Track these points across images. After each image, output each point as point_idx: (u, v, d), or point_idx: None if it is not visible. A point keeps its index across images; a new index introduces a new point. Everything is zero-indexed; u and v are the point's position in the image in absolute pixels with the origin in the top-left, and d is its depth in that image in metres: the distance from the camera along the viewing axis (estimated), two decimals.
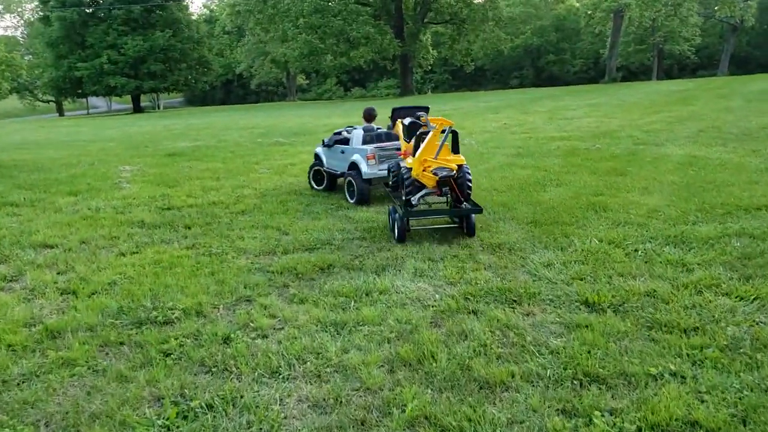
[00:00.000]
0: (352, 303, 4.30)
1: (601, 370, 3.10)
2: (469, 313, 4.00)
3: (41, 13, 50.95)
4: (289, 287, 4.79)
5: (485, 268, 4.90)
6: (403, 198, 5.96)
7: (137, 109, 50.91)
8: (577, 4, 60.22)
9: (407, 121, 6.37)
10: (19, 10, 71.33)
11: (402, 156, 6.67)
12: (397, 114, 7.51)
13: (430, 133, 5.79)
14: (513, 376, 3.13)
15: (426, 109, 6.90)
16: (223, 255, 5.70)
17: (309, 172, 8.89)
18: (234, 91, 68.79)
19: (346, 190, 7.90)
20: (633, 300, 4.02)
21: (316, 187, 8.71)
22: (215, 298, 4.59)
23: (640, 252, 5.03)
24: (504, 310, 4.00)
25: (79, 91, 48.54)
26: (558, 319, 3.82)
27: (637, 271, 4.58)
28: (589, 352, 3.31)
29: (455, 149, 6.07)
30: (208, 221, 7.04)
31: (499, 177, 8.76)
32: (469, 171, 5.95)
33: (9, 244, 6.35)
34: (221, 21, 64.67)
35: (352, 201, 7.71)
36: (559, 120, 16.42)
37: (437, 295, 4.37)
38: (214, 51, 55.41)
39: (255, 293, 4.66)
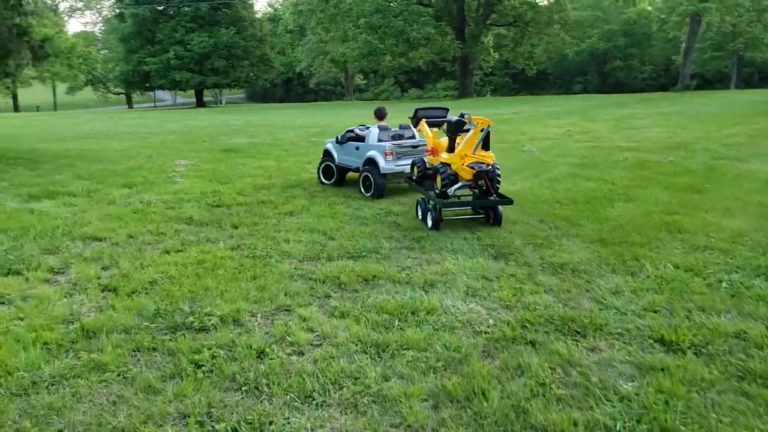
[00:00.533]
0: (396, 322, 3.98)
1: (683, 428, 2.65)
2: (527, 343, 3.60)
3: (117, 10, 53.15)
4: (331, 298, 4.52)
5: (546, 292, 4.47)
6: (440, 189, 6.37)
7: (200, 103, 52.32)
8: (650, 8, 57.80)
9: (454, 119, 6.59)
10: (98, 7, 74.79)
11: (429, 152, 7.18)
12: (421, 114, 7.83)
13: (471, 131, 6.36)
14: (576, 425, 2.72)
15: (446, 110, 7.92)
16: (266, 258, 5.48)
17: (318, 168, 9.32)
18: (294, 89, 69.70)
19: (361, 184, 8.33)
20: (719, 342, 3.51)
21: (325, 181, 9.15)
22: (254, 306, 4.37)
23: (724, 283, 4.47)
24: (566, 342, 3.59)
25: (147, 84, 50.37)
26: (628, 358, 3.37)
27: (722, 306, 4.05)
28: (666, 402, 2.86)
29: (486, 146, 6.42)
30: (256, 221, 6.87)
31: (562, 188, 8.23)
32: (498, 167, 6.50)
33: (61, 235, 6.36)
34: (284, 20, 65.74)
35: (368, 195, 8.16)
36: (626, 129, 15.57)
37: (491, 320, 3.99)
38: (276, 49, 56.34)
39: (295, 302, 4.41)
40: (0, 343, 3.82)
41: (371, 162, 8.17)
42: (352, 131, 8.94)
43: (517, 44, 41.03)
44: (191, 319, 4.14)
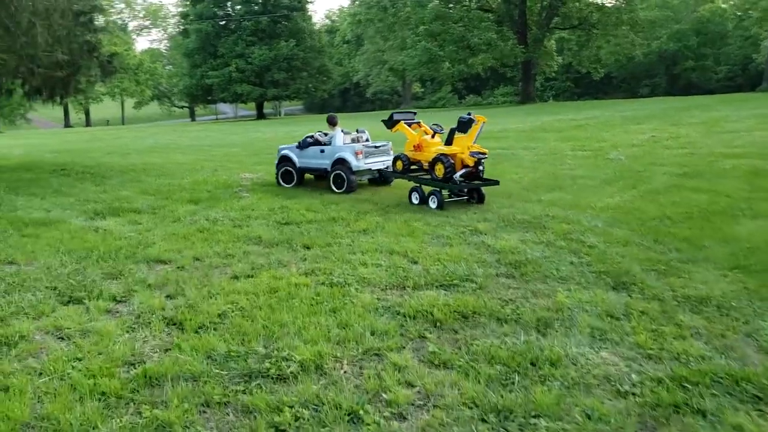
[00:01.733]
0: (516, 377, 3.24)
1: None
2: (695, 413, 2.79)
3: (181, 27, 54.79)
4: (427, 340, 3.83)
5: (693, 335, 3.63)
6: (443, 176, 7.67)
7: (260, 115, 53.05)
8: (724, 6, 54.60)
9: (466, 117, 7.87)
10: (164, 24, 77.66)
11: (414, 149, 8.54)
12: (398, 117, 9.09)
13: (472, 126, 7.79)
14: None
15: (415, 113, 9.57)
16: (345, 286, 4.86)
17: (277, 173, 10.15)
18: (350, 99, 69.88)
19: (332, 182, 9.24)
20: None
21: (285, 185, 9.99)
22: (338, 348, 3.74)
23: None
24: (748, 414, 2.75)
25: (209, 97, 51.48)
26: None
27: None
28: None
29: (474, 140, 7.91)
30: (329, 241, 6.27)
31: (669, 202, 7.27)
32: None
33: (124, 257, 5.96)
34: (341, 31, 66.18)
35: (339, 191, 9.10)
36: (721, 133, 14.20)
37: (633, 375, 3.19)
38: (333, 60, 56.60)
39: (385, 345, 3.74)
40: (56, 392, 3.34)
41: (341, 161, 9.14)
42: (312, 137, 9.90)
43: (582, 47, 39.36)
44: (267, 364, 3.54)
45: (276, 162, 10.30)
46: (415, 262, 5.44)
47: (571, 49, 42.08)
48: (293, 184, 9.89)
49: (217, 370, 3.53)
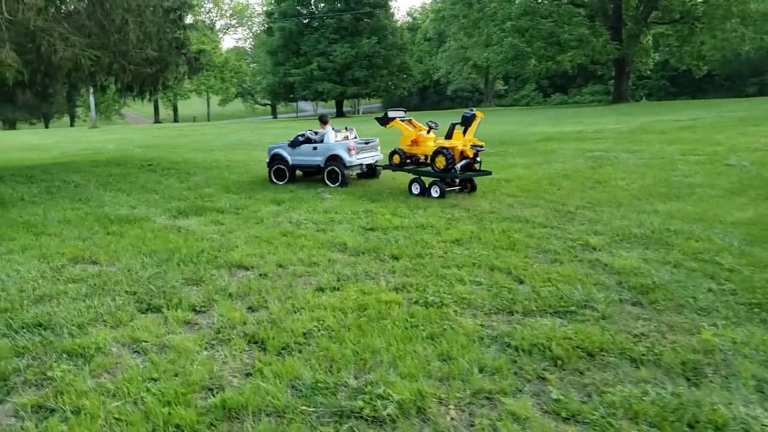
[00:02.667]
0: None
1: None
2: None
3: (266, 25, 56.05)
4: (547, 382, 3.20)
5: None
6: (444, 167, 8.30)
7: (340, 113, 53.37)
8: None
9: (468, 113, 8.65)
10: (249, 23, 79.93)
11: (411, 144, 9.19)
12: (393, 114, 9.61)
13: (474, 122, 8.49)
14: None
15: (405, 110, 10.12)
16: (442, 307, 4.29)
17: (270, 171, 10.52)
18: (429, 97, 69.13)
19: (327, 177, 9.86)
20: None
21: (277, 182, 10.34)
22: (441, 386, 3.19)
23: None
24: None
25: (291, 95, 52.35)
26: None
27: None
28: None
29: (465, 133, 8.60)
30: (419, 251, 5.72)
31: None
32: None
33: (206, 262, 5.67)
34: (423, 28, 65.53)
35: (334, 185, 9.68)
36: None
37: None
38: (414, 57, 56.04)
39: (497, 387, 3.15)
40: (128, 419, 2.99)
41: (335, 158, 9.72)
42: (303, 135, 10.36)
43: (683, 43, 36.50)
44: (360, 402, 3.05)
45: (267, 161, 10.73)
46: (521, 282, 4.79)
47: (670, 45, 39.10)
48: (285, 181, 10.33)
49: (304, 404, 3.07)
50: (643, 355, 3.43)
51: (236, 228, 7.03)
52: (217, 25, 72.93)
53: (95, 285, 5.09)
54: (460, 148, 8.47)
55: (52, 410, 3.16)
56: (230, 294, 4.79)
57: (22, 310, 4.55)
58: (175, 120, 69.36)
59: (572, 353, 3.48)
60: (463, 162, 8.42)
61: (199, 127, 41.35)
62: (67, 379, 3.44)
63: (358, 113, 68.82)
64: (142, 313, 4.51)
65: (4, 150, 22.09)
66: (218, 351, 3.80)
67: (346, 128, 10.55)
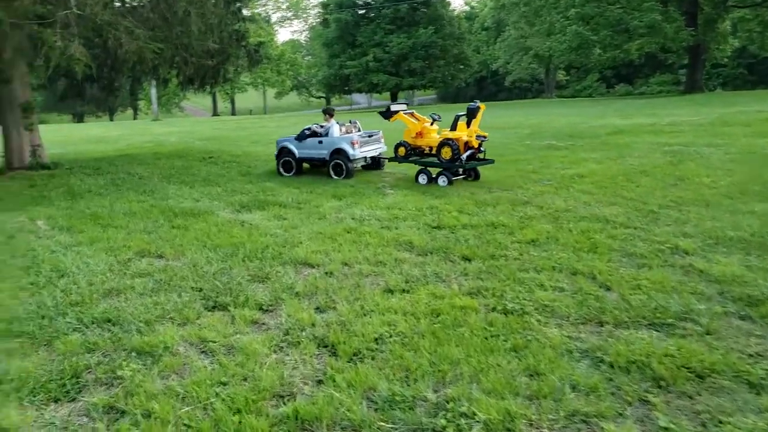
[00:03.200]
0: None
1: None
2: None
3: (322, 17, 56.27)
4: (652, 407, 2.87)
5: None
6: (450, 157, 8.70)
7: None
8: None
9: (473, 105, 9.05)
10: (305, 16, 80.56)
11: (416, 136, 9.54)
12: (396, 108, 9.91)
13: (478, 113, 8.95)
14: None
15: (407, 104, 10.65)
16: (523, 315, 3.98)
17: (278, 163, 10.88)
18: (486, 87, 67.85)
19: (331, 170, 10.12)
20: None
21: (285, 174, 10.73)
22: (530, 406, 2.90)
23: None
24: None
25: (346, 87, 52.36)
26: None
27: None
28: None
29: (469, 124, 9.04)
30: (492, 252, 5.41)
31: None
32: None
33: (271, 257, 5.54)
34: (481, 17, 64.27)
35: (338, 178, 9.96)
36: None
37: None
38: (471, 47, 54.98)
39: (594, 409, 2.85)
40: (198, 426, 2.86)
41: (339, 151, 9.96)
42: (309, 129, 10.59)
43: (766, 27, 34.00)
44: (443, 421, 2.81)
45: (276, 153, 11.05)
46: (608, 288, 4.41)
47: (751, 30, 36.48)
48: (293, 172, 10.67)
49: (381, 420, 2.85)
50: (762, 379, 3.03)
51: (299, 223, 6.90)
52: (273, 18, 73.83)
53: (161, 280, 5.04)
54: (464, 138, 8.89)
55: (123, 412, 3.07)
56: (297, 293, 4.63)
57: (92, 305, 4.53)
58: (233, 113, 70.80)
59: (677, 374, 3.12)
60: (469, 152, 8.84)
61: (256, 120, 41.94)
62: (136, 380, 3.35)
63: (413, 104, 68.37)
64: (209, 310, 4.40)
65: (74, 142, 22.95)
66: (287, 354, 3.63)
67: (350, 121, 10.81)
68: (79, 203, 8.71)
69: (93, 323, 4.19)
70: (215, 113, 69.32)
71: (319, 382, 3.30)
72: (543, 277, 4.69)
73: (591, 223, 6.23)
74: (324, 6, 55.27)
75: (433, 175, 9.05)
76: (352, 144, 9.95)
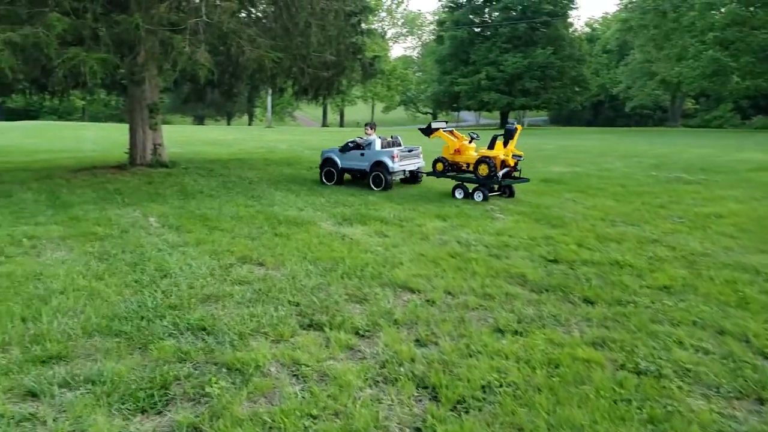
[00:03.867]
0: None
1: None
2: None
3: (436, 34, 56.39)
4: None
5: None
6: (487, 174, 9.24)
7: (504, 124, 51.90)
8: None
9: (511, 127, 9.41)
10: (419, 32, 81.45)
11: (454, 153, 9.99)
12: (436, 126, 10.36)
13: (515, 134, 9.38)
14: None
15: (446, 123, 11.13)
16: (660, 379, 3.37)
17: (321, 173, 11.48)
18: (603, 112, 64.76)
19: (371, 182, 10.59)
20: None
21: (327, 183, 11.27)
22: None
23: None
24: None
25: (455, 104, 51.91)
26: None
27: None
28: None
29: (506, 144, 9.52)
30: (618, 297, 4.77)
31: None
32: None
33: (370, 277, 5.25)
34: (603, 39, 61.61)
35: (377, 189, 10.42)
36: None
37: None
38: (590, 70, 52.64)
39: None
40: None
41: (380, 164, 10.48)
42: (354, 142, 11.12)
43: None
44: None
45: (320, 163, 11.57)
46: (766, 356, 3.67)
47: None
48: (334, 182, 11.22)
49: None
50: None
51: (400, 242, 6.57)
52: (388, 33, 75.20)
53: (260, 290, 4.89)
54: (501, 157, 9.34)
55: None
56: (395, 320, 4.28)
57: (190, 309, 4.44)
58: (341, 124, 72.69)
59: None
60: (505, 170, 9.38)
61: (363, 132, 42.59)
62: (224, 400, 3.14)
63: (523, 125, 66.63)
64: (304, 328, 4.16)
65: (192, 143, 24.30)
66: (383, 391, 3.28)
67: (392, 136, 11.40)
68: (191, 203, 8.95)
69: (188, 329, 4.08)
70: (324, 124, 71.49)
71: (417, 430, 2.92)
72: (681, 332, 4.02)
73: (737, 272, 5.38)
74: (440, 23, 55.36)
75: (470, 191, 9.49)
76: (392, 157, 10.44)
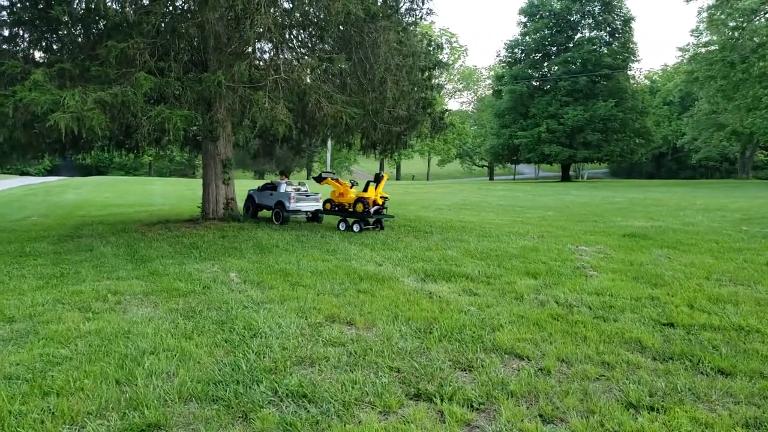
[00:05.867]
0: None
1: None
2: None
3: (494, 88, 56.70)
4: None
5: None
6: (363, 211, 12.24)
7: (565, 177, 50.94)
8: None
9: (380, 175, 12.83)
10: (475, 87, 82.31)
11: (339, 195, 13.09)
12: (325, 175, 13.58)
13: (382, 181, 12.62)
14: None
15: (334, 173, 15.70)
16: None
17: (245, 207, 14.58)
18: (665, 164, 62.94)
19: (273, 217, 13.68)
20: None
21: (247, 214, 14.43)
22: None
23: None
24: None
25: (514, 157, 51.44)
26: None
27: None
28: None
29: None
30: (758, 369, 4.23)
31: None
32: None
33: (471, 340, 4.89)
34: (663, 91, 60.49)
35: (277, 223, 13.34)
36: None
37: None
38: (651, 122, 51.49)
39: None
40: None
41: (280, 204, 13.48)
42: (270, 184, 14.30)
43: None
44: None
45: (246, 199, 14.77)
46: None
47: None
48: (250, 214, 14.47)
49: None
50: None
51: (494, 302, 6.18)
52: (445, 89, 76.30)
53: (355, 353, 4.60)
54: (373, 198, 12.24)
55: None
56: (511, 392, 3.89)
57: (286, 373, 4.18)
58: (397, 178, 73.26)
59: None
60: (375, 207, 12.27)
61: (421, 185, 42.71)
62: None
63: (582, 178, 65.28)
64: (411, 399, 3.82)
65: None
66: None
67: (299, 183, 14.38)
68: (268, 257, 8.86)
69: (288, 396, 3.81)
70: None
71: None
72: None
73: None
74: (498, 78, 55.68)
75: (350, 223, 12.32)
76: (289, 198, 13.32)
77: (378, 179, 12.49)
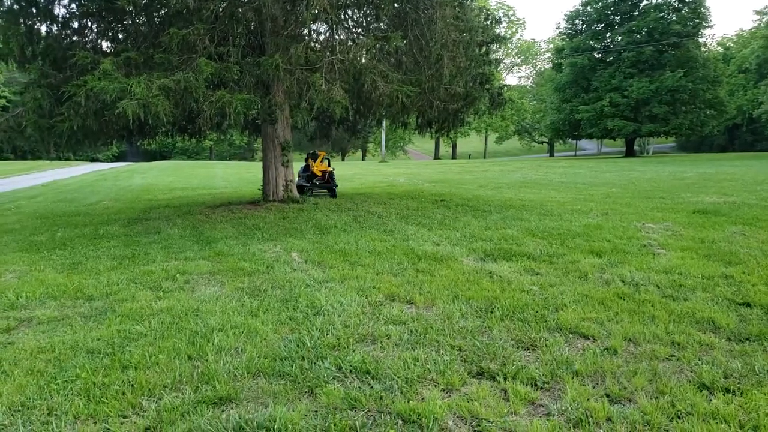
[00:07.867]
0: None
1: None
2: None
3: (554, 62, 54.95)
4: None
5: None
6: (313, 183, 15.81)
7: (629, 152, 49.02)
8: None
9: (315, 153, 16.17)
10: (534, 61, 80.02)
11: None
12: (309, 156, 16.38)
13: (318, 158, 16.01)
14: None
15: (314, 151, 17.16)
16: None
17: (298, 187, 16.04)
18: (740, 137, 59.52)
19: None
20: None
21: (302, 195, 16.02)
22: None
23: None
24: None
25: (575, 133, 49.81)
26: None
27: None
28: None
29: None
30: None
31: None
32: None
33: (533, 320, 4.82)
34: (738, 58, 56.99)
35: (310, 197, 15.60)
36: None
37: None
38: (724, 92, 48.64)
39: None
40: None
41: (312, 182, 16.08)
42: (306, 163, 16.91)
43: None
44: None
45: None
46: None
47: None
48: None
49: None
50: None
51: (557, 281, 6.06)
52: (503, 63, 74.57)
53: (416, 330, 4.62)
54: (317, 171, 15.73)
55: None
56: (576, 371, 3.81)
57: (349, 350, 4.26)
58: (453, 156, 72.52)
59: None
60: (318, 179, 15.78)
61: (478, 164, 42.10)
62: None
63: (648, 153, 62.67)
64: (473, 377, 3.81)
65: None
66: None
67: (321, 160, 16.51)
68: (327, 238, 8.99)
69: (352, 372, 3.88)
70: (437, 156, 71.69)
71: None
72: None
73: None
74: (558, 51, 53.88)
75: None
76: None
77: (314, 157, 15.91)
